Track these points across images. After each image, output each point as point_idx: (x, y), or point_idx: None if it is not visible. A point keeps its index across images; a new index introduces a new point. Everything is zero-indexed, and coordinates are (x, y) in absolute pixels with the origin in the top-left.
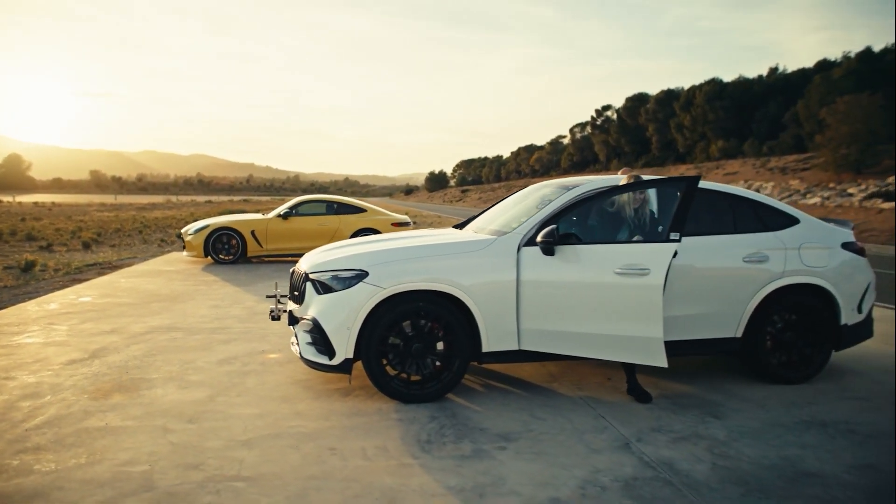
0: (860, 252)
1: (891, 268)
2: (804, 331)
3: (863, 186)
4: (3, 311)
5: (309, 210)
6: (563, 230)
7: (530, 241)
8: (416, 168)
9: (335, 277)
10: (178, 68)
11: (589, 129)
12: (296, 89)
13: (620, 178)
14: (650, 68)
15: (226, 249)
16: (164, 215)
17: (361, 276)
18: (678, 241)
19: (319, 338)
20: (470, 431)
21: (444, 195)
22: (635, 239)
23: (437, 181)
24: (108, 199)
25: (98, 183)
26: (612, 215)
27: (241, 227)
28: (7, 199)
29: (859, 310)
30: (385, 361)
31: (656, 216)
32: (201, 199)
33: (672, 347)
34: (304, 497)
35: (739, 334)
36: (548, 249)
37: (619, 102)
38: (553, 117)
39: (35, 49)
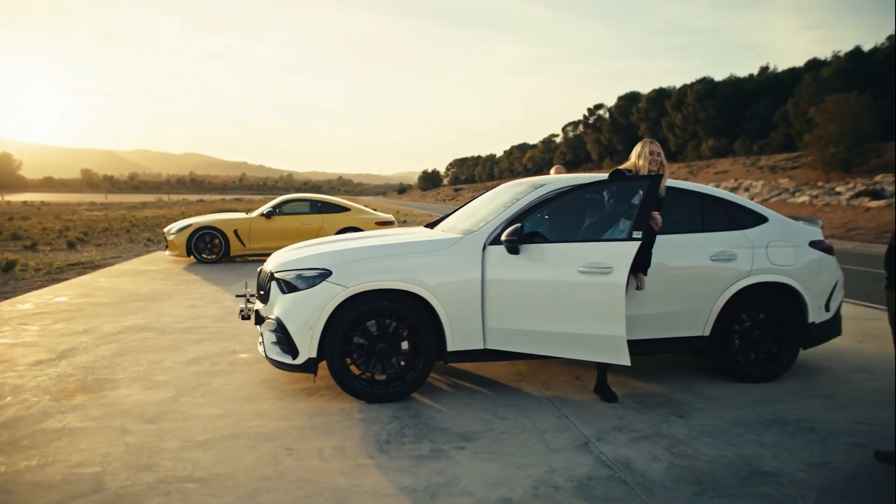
0: (828, 250)
1: (877, 266)
2: (772, 329)
3: (850, 185)
4: None
5: (292, 209)
6: (530, 228)
7: (496, 240)
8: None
9: (299, 276)
10: (171, 67)
11: (581, 127)
12: (289, 88)
13: (584, 177)
14: (643, 67)
15: (208, 249)
16: (154, 214)
17: (325, 275)
18: (640, 239)
19: (283, 337)
20: (430, 431)
21: (438, 194)
22: (604, 237)
23: (430, 180)
24: (99, 198)
25: (89, 182)
26: (579, 214)
27: (223, 226)
28: None
29: (827, 308)
30: (349, 361)
31: (621, 214)
32: (193, 198)
33: (641, 346)
34: (253, 498)
35: (707, 333)
36: (512, 248)
37: (611, 101)
38: (546, 116)
39: (26, 47)
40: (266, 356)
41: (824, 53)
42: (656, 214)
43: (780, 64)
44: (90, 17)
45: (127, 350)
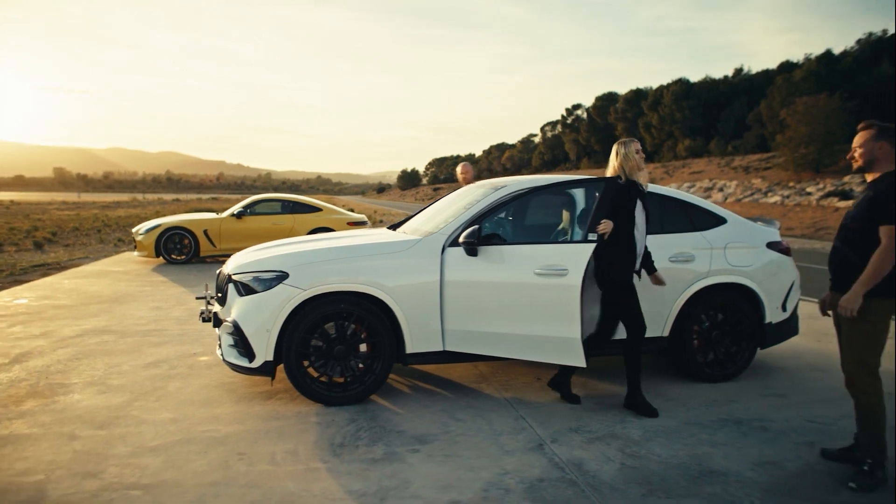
0: (785, 251)
1: None
2: (730, 329)
3: (821, 185)
4: None
5: (263, 209)
6: (491, 230)
7: (455, 242)
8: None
9: (256, 279)
10: (147, 64)
11: (560, 127)
12: (268, 86)
13: (538, 179)
14: (620, 67)
15: (178, 249)
16: (127, 214)
17: (282, 277)
18: (596, 241)
19: (240, 340)
20: (386, 434)
21: (417, 193)
22: (561, 239)
23: (409, 179)
24: (72, 196)
25: (62, 180)
26: (538, 215)
27: (193, 226)
28: None
29: (784, 308)
30: (307, 364)
31: (578, 216)
32: (169, 197)
33: (601, 347)
34: None
35: (667, 333)
36: (471, 250)
37: (589, 101)
38: (525, 116)
39: None
40: (223, 359)
41: (797, 56)
42: (606, 221)
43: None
44: (62, 11)
45: (84, 354)
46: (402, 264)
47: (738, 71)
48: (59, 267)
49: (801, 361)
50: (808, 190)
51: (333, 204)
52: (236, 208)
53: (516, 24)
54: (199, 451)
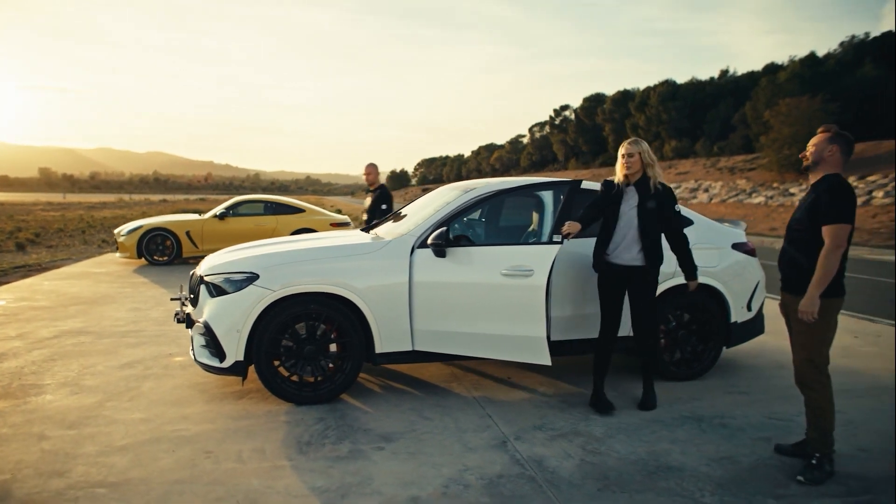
0: (750, 252)
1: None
2: (696, 328)
3: (804, 186)
4: None
5: (246, 210)
6: (461, 231)
7: (423, 244)
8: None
9: (227, 280)
10: (134, 63)
11: (548, 128)
12: (256, 85)
13: (520, 181)
14: (608, 68)
15: (160, 250)
16: (113, 215)
17: (252, 278)
18: (560, 242)
19: (211, 340)
20: (353, 432)
21: (406, 194)
22: (532, 241)
23: (398, 180)
24: (57, 197)
25: (48, 181)
26: (509, 217)
27: (175, 227)
28: None
29: (749, 307)
30: (277, 363)
31: (545, 218)
32: (156, 197)
33: (570, 347)
34: (164, 501)
35: (633, 333)
36: (439, 251)
37: (577, 102)
38: (513, 116)
39: None
40: (195, 359)
41: (782, 58)
42: (570, 223)
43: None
44: (46, 10)
45: (60, 355)
46: (372, 266)
47: (724, 72)
48: (40, 268)
49: (766, 360)
50: (792, 191)
51: (322, 204)
52: (219, 209)
53: (505, 24)
54: (168, 450)
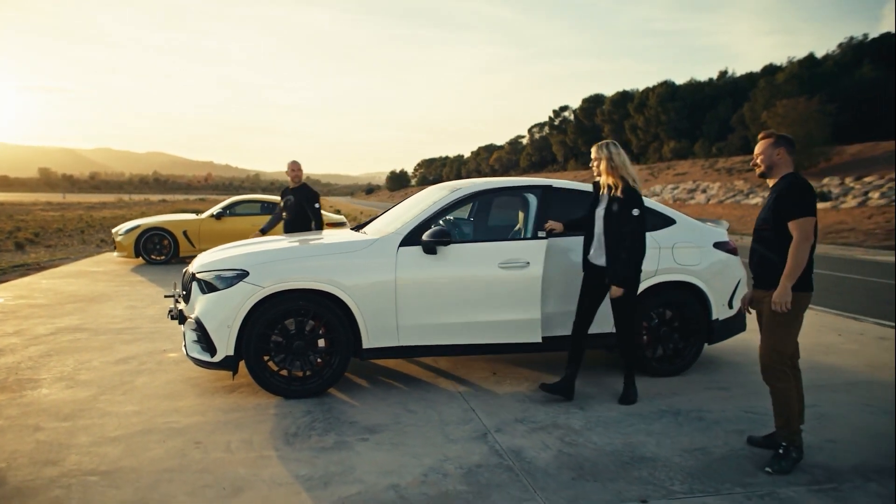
0: (732, 251)
1: (821, 267)
2: (678, 326)
3: None
4: None
5: (243, 210)
6: (449, 229)
7: (409, 241)
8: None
9: (218, 277)
10: (134, 64)
11: (547, 129)
12: (256, 86)
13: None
14: (607, 68)
15: (157, 250)
16: (112, 215)
17: (242, 275)
18: (545, 237)
19: (202, 335)
20: (339, 425)
21: (405, 195)
22: (522, 237)
23: (398, 180)
24: (57, 197)
25: (48, 181)
26: (498, 216)
27: (172, 227)
28: None
29: (730, 305)
30: (267, 358)
31: (529, 216)
32: (156, 198)
33: (554, 342)
34: (153, 488)
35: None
36: (430, 248)
37: (576, 103)
38: (513, 117)
39: None
40: (187, 354)
41: (781, 58)
42: (553, 222)
43: (739, 68)
44: (46, 10)
45: (56, 351)
46: (359, 263)
47: (723, 73)
48: (38, 267)
49: (748, 357)
50: None
51: (321, 205)
52: (216, 209)
53: (504, 24)
54: (159, 441)
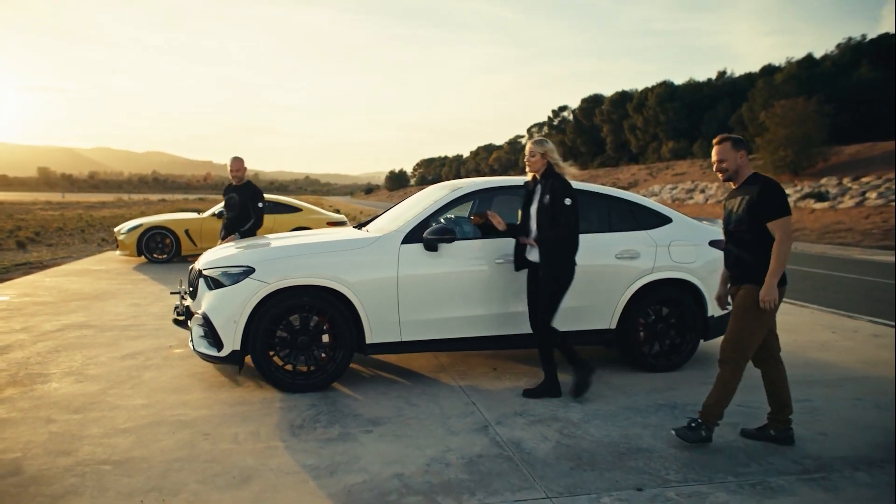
0: None
1: (812, 266)
2: (674, 322)
3: (798, 187)
4: None
5: None
6: (449, 227)
7: (410, 239)
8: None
9: (224, 273)
10: (132, 64)
11: (546, 129)
12: (255, 85)
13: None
14: (606, 68)
15: (159, 248)
16: (112, 214)
17: (248, 272)
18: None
19: (209, 331)
20: (343, 417)
21: (405, 195)
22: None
23: (397, 180)
24: (56, 196)
25: (47, 180)
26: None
27: (174, 225)
28: None
29: (728, 305)
30: (272, 353)
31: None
32: (155, 197)
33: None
34: (164, 477)
35: (614, 326)
36: (431, 246)
37: (575, 103)
38: (512, 116)
39: None
40: (194, 349)
41: (779, 59)
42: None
43: (738, 68)
44: (46, 10)
45: (63, 347)
46: (362, 260)
47: (722, 74)
48: (41, 266)
49: None
50: (787, 192)
51: (321, 204)
52: (217, 208)
53: (504, 24)
54: (168, 432)
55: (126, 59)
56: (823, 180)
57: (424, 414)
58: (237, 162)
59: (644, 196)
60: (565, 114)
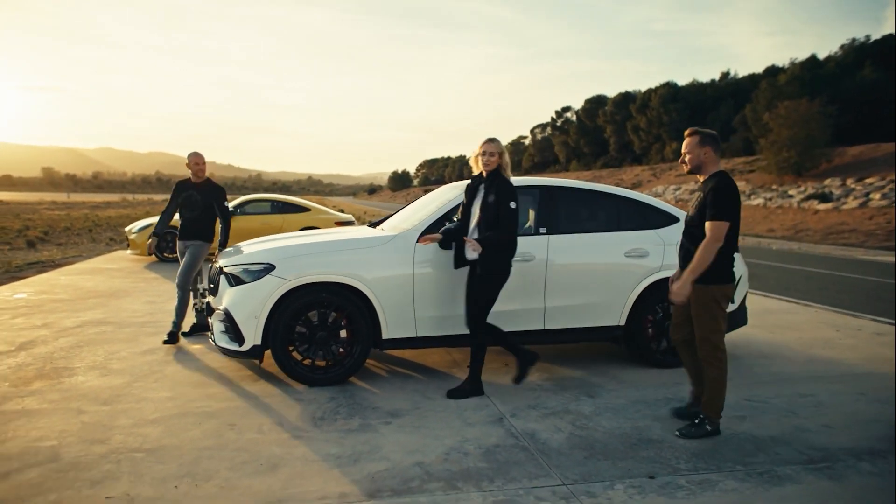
0: None
1: (814, 266)
2: None
3: (802, 188)
4: None
5: (253, 209)
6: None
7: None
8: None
9: (245, 270)
10: (135, 64)
11: (549, 129)
12: (257, 86)
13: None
14: (609, 69)
15: (170, 248)
16: (117, 214)
17: (269, 269)
18: (546, 234)
19: (230, 326)
20: (363, 410)
21: (407, 195)
22: (532, 233)
23: (400, 181)
24: (61, 197)
25: (51, 180)
26: None
27: None
28: None
29: (732, 300)
30: (292, 348)
31: (537, 213)
32: (159, 197)
33: (562, 334)
34: (195, 464)
35: (623, 322)
36: (446, 244)
37: (578, 103)
38: (515, 117)
39: None
40: (215, 344)
41: (782, 60)
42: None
43: (741, 69)
44: (46, 10)
45: (85, 342)
46: (379, 258)
47: (725, 75)
48: (53, 264)
49: (750, 350)
50: (790, 192)
51: (324, 205)
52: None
53: (504, 24)
54: (195, 423)
55: (127, 59)
56: (827, 181)
57: (441, 407)
58: (198, 157)
59: (648, 196)
60: (568, 114)
